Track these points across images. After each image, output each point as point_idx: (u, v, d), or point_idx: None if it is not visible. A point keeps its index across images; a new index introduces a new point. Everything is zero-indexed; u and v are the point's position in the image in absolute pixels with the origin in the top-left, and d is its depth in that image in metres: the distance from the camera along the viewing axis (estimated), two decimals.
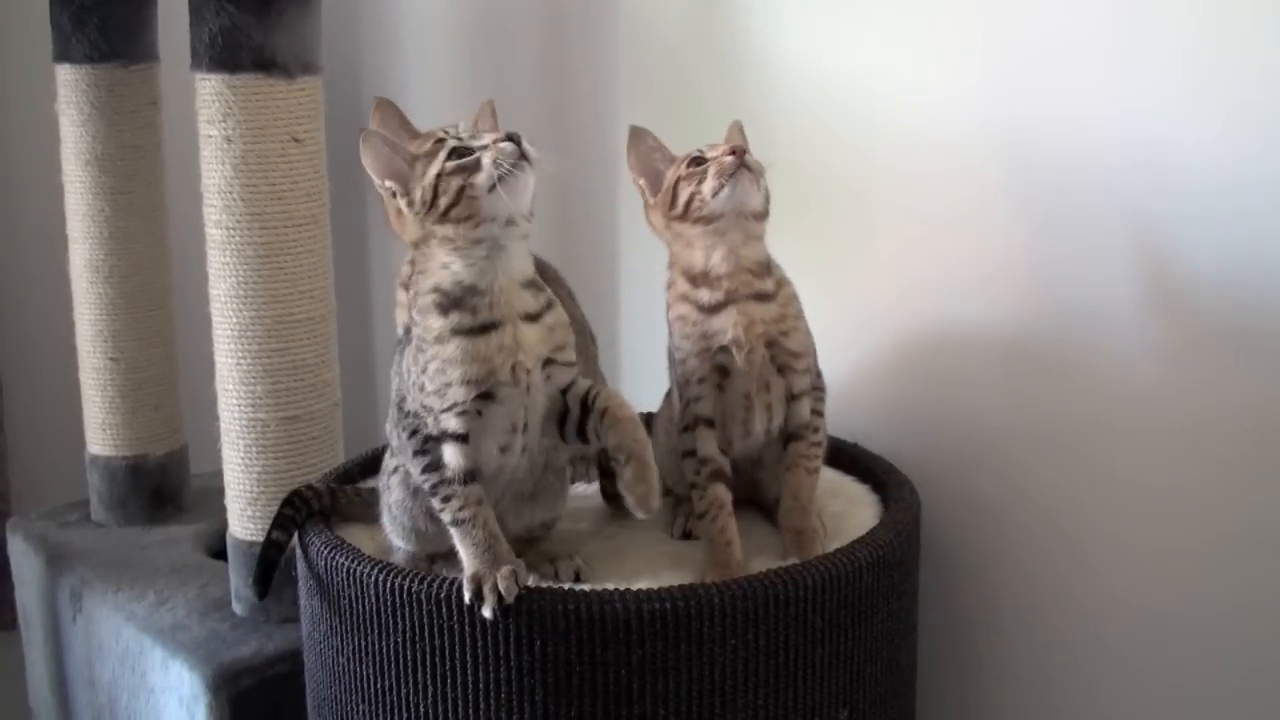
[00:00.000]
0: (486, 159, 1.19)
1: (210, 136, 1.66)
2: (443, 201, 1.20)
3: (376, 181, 1.25)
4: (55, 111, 1.97)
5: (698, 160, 1.32)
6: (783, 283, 1.35)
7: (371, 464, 1.56)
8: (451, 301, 1.21)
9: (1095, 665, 1.48)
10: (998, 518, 1.54)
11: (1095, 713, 1.49)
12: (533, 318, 1.23)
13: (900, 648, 1.39)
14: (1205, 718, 1.41)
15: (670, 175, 1.34)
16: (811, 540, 1.33)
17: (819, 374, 1.40)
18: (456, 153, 1.20)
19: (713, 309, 1.32)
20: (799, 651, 1.25)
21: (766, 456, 1.39)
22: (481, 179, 1.19)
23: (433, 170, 1.21)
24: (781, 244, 1.36)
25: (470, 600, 1.19)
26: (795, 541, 1.33)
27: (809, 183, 1.63)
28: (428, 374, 1.22)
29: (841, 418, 1.54)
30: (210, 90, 1.65)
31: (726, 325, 1.32)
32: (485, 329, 1.21)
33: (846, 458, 1.54)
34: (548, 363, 1.23)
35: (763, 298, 1.33)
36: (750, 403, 1.34)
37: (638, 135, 1.37)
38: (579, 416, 1.25)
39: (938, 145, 1.51)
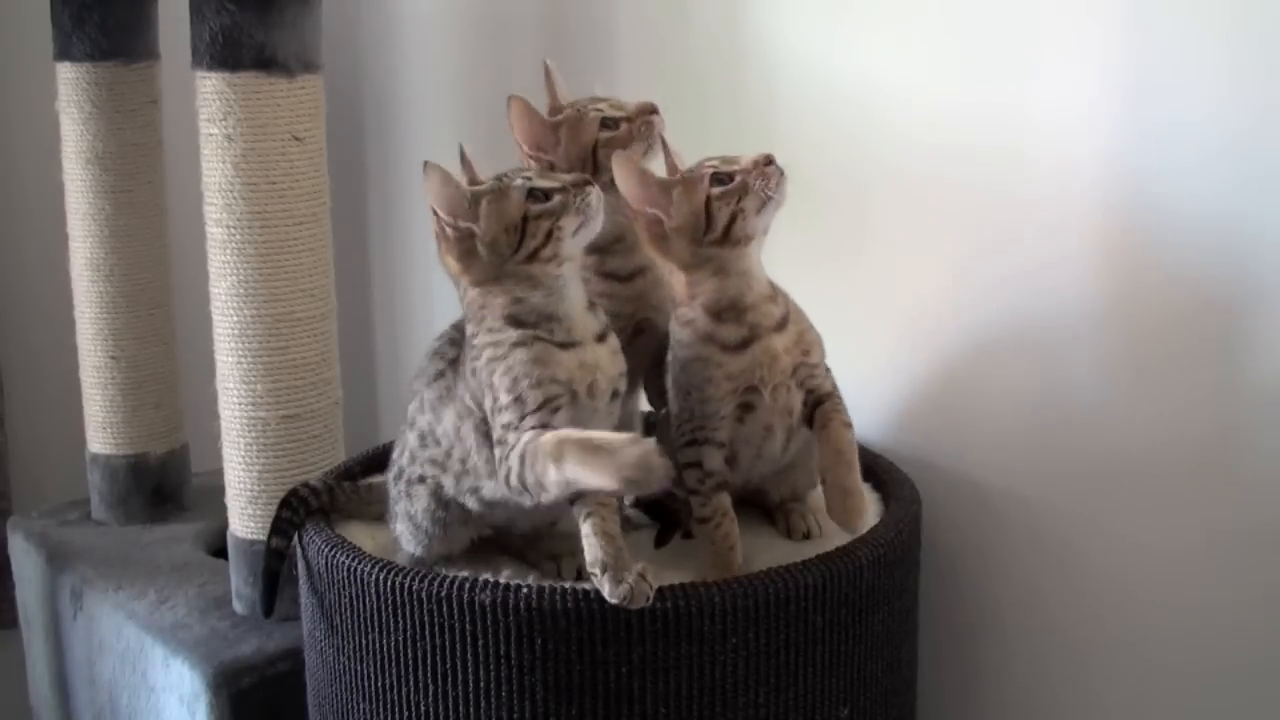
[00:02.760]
0: (589, 199, 1.22)
1: (211, 135, 1.67)
2: (532, 244, 1.22)
3: (446, 219, 1.24)
4: (56, 110, 1.97)
5: (722, 177, 1.26)
6: (786, 297, 1.32)
7: (372, 462, 1.56)
8: (529, 324, 1.23)
9: (1095, 664, 1.49)
10: (998, 517, 1.54)
11: (1095, 711, 1.49)
12: (601, 337, 1.25)
13: (901, 646, 1.39)
14: (1206, 714, 1.42)
15: (693, 197, 1.26)
16: (859, 504, 1.27)
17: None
18: (533, 194, 1.22)
19: (737, 347, 1.28)
20: (800, 650, 1.25)
21: (784, 458, 1.37)
22: (569, 222, 1.22)
23: (515, 212, 1.22)
24: (782, 242, 1.36)
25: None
26: (842, 504, 1.27)
27: (812, 181, 1.62)
28: (506, 382, 1.22)
29: None
30: (211, 88, 1.65)
31: (752, 365, 1.28)
32: (564, 346, 1.23)
33: None
34: (614, 395, 1.25)
35: (781, 326, 1.29)
36: (771, 431, 1.32)
37: (623, 162, 1.29)
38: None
39: (942, 145, 1.51)
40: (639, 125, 1.37)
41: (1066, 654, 1.50)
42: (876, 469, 1.51)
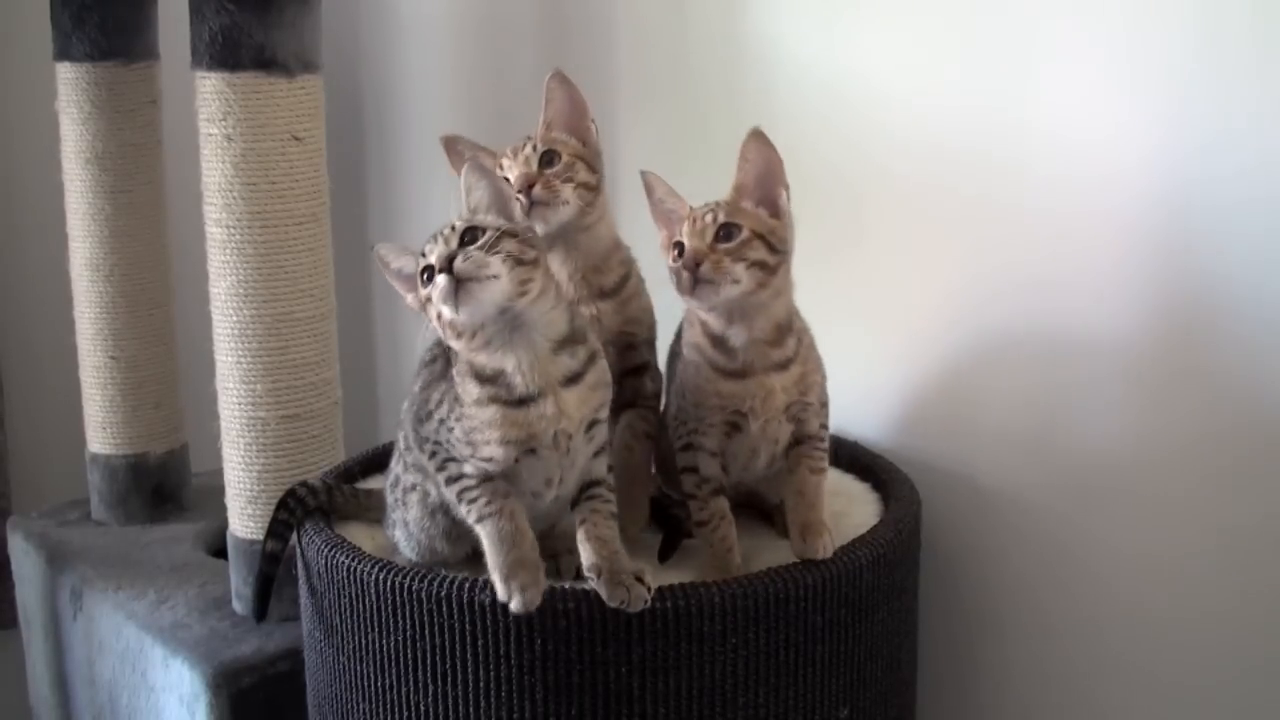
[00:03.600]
0: (436, 294, 1.16)
1: (210, 135, 1.67)
2: (438, 325, 1.19)
3: (405, 299, 1.23)
4: (56, 110, 1.97)
5: (679, 246, 1.26)
6: (801, 335, 1.31)
7: (372, 462, 1.56)
8: (486, 379, 1.20)
9: (1094, 663, 1.49)
10: (998, 517, 1.54)
11: (1094, 711, 1.49)
12: (573, 379, 1.21)
13: (901, 646, 1.39)
14: (1203, 715, 1.42)
15: (668, 253, 1.29)
16: (818, 531, 1.28)
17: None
18: (423, 274, 1.18)
19: (730, 375, 1.29)
20: (799, 650, 1.25)
21: (768, 472, 1.37)
22: (445, 311, 1.16)
23: (423, 298, 1.19)
24: None
25: (504, 600, 1.19)
26: (801, 534, 1.29)
27: (810, 182, 1.62)
28: (462, 424, 1.21)
29: (843, 417, 1.54)
30: (210, 88, 1.65)
31: (744, 395, 1.28)
32: (524, 402, 1.19)
33: (846, 456, 1.54)
34: (592, 424, 1.23)
35: (782, 366, 1.29)
36: (756, 454, 1.32)
37: (649, 184, 1.32)
38: (574, 496, 1.25)
39: (943, 148, 1.51)
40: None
41: (1065, 653, 1.50)
42: (876, 469, 1.51)
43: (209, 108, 1.66)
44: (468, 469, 1.22)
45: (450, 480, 1.24)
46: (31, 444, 2.30)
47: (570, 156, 1.34)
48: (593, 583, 1.19)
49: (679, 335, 1.36)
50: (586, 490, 1.25)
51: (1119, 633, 1.46)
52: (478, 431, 1.20)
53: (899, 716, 1.41)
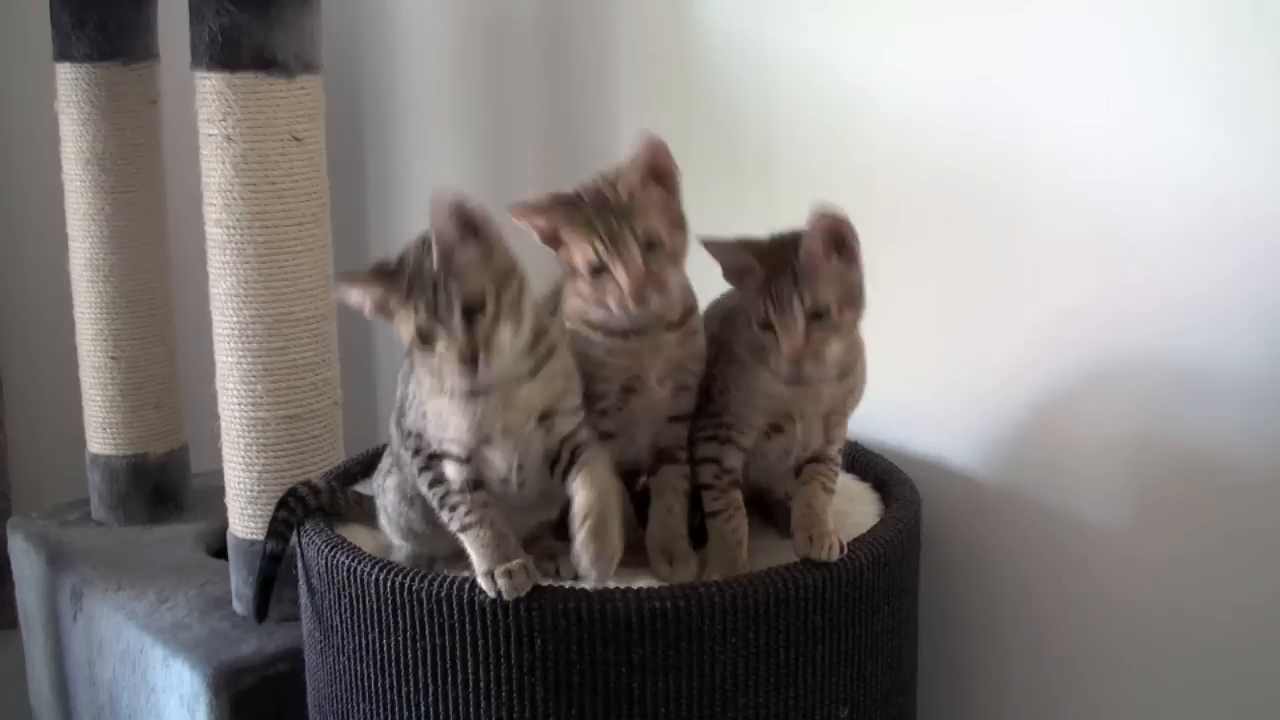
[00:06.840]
0: (451, 367, 1.18)
1: (210, 135, 1.67)
2: (438, 373, 1.20)
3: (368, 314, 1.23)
4: (55, 110, 1.97)
5: (768, 326, 1.26)
6: (860, 350, 1.32)
7: (372, 463, 1.55)
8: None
9: (1094, 664, 1.49)
10: (998, 517, 1.54)
11: (1094, 711, 1.49)
12: (533, 372, 1.22)
13: (901, 646, 1.39)
14: (1202, 715, 1.41)
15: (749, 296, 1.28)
16: (822, 538, 1.28)
17: None
18: (420, 334, 1.18)
19: (787, 379, 1.28)
20: (800, 650, 1.25)
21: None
22: (459, 380, 1.19)
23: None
24: None
25: (494, 595, 1.20)
26: (806, 543, 1.29)
27: (808, 180, 1.63)
28: (429, 408, 1.24)
29: None
30: (210, 89, 1.65)
31: (795, 400, 1.30)
32: (474, 394, 1.20)
33: (846, 456, 1.53)
34: (545, 416, 1.23)
35: (840, 377, 1.30)
36: (788, 454, 1.34)
37: (714, 252, 1.29)
38: (566, 463, 1.25)
39: (943, 149, 1.51)
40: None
41: (1065, 654, 1.50)
42: (877, 468, 1.51)
43: (209, 108, 1.66)
44: (449, 471, 1.24)
45: (432, 484, 1.26)
46: (31, 444, 2.30)
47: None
48: (575, 524, 1.20)
49: (725, 320, 1.34)
50: (575, 453, 1.25)
51: (1118, 633, 1.46)
52: (437, 416, 1.23)
53: (899, 716, 1.41)
